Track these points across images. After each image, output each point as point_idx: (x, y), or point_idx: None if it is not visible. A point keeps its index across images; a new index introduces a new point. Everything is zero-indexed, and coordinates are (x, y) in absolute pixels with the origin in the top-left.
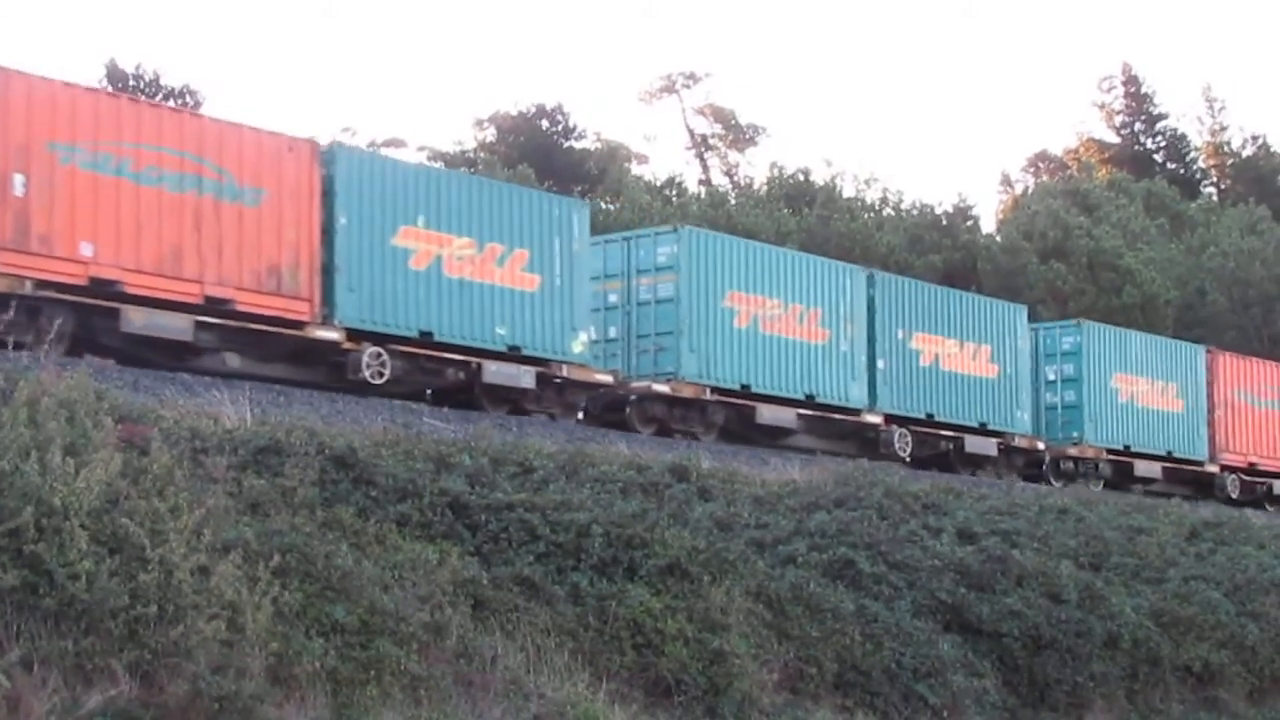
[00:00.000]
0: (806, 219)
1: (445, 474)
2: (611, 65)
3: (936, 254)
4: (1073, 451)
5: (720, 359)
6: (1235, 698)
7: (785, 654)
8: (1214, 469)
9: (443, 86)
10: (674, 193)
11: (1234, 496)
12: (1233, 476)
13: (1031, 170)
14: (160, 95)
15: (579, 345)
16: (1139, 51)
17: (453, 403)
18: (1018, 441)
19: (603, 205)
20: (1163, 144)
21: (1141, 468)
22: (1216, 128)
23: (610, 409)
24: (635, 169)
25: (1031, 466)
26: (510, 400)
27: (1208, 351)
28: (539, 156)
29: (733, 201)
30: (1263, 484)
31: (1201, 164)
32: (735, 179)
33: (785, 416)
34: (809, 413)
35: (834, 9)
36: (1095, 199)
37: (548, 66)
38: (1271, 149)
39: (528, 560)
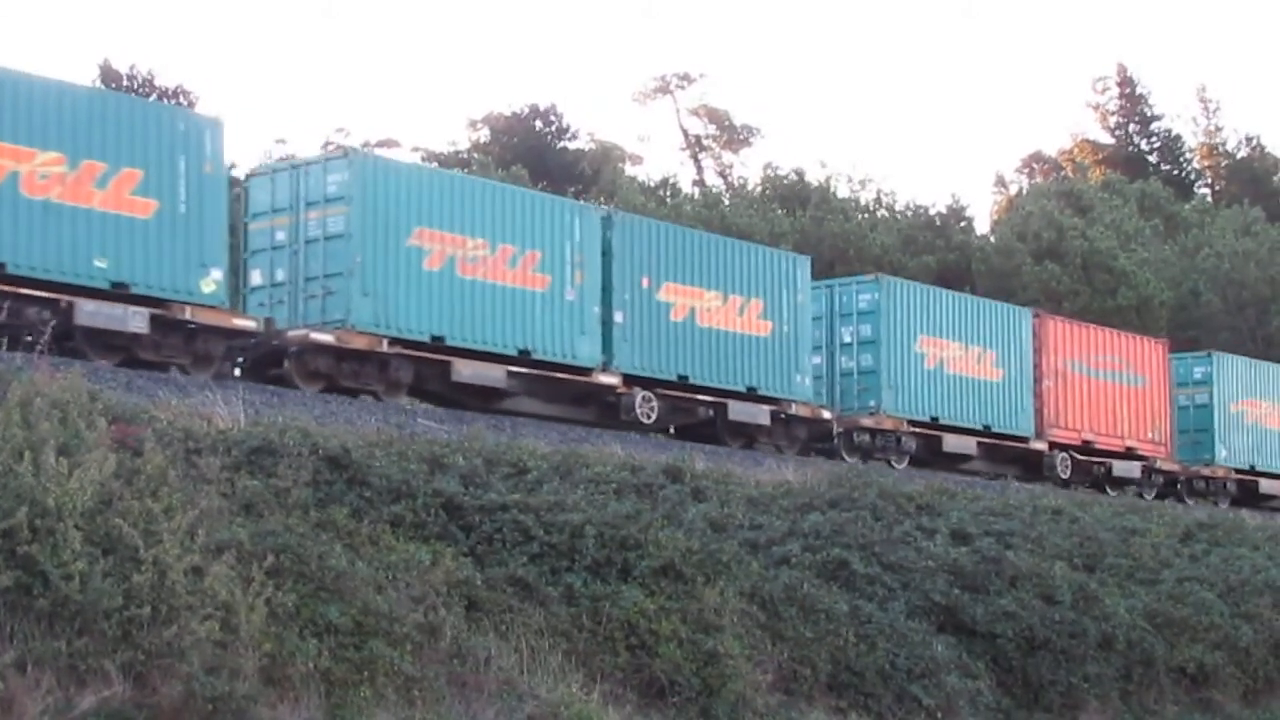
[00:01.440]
0: (800, 220)
1: (439, 475)
2: (605, 66)
3: (930, 255)
4: (867, 422)
5: (403, 305)
6: (1229, 699)
7: (779, 655)
8: (1041, 446)
9: (437, 87)
10: (668, 193)
11: (1064, 477)
12: (1063, 455)
13: (1026, 171)
14: (154, 96)
15: (209, 285)
16: (1133, 52)
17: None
18: (796, 410)
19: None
20: (1157, 145)
21: (951, 442)
22: (1211, 129)
23: (267, 363)
24: (629, 170)
25: (820, 440)
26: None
27: (1035, 315)
28: (533, 157)
29: (727, 202)
30: (1101, 464)
31: (1196, 165)
32: (729, 180)
33: (492, 374)
34: (524, 370)
35: (828, 10)
36: (1089, 200)
37: (542, 67)
38: (1266, 150)
39: (521, 561)
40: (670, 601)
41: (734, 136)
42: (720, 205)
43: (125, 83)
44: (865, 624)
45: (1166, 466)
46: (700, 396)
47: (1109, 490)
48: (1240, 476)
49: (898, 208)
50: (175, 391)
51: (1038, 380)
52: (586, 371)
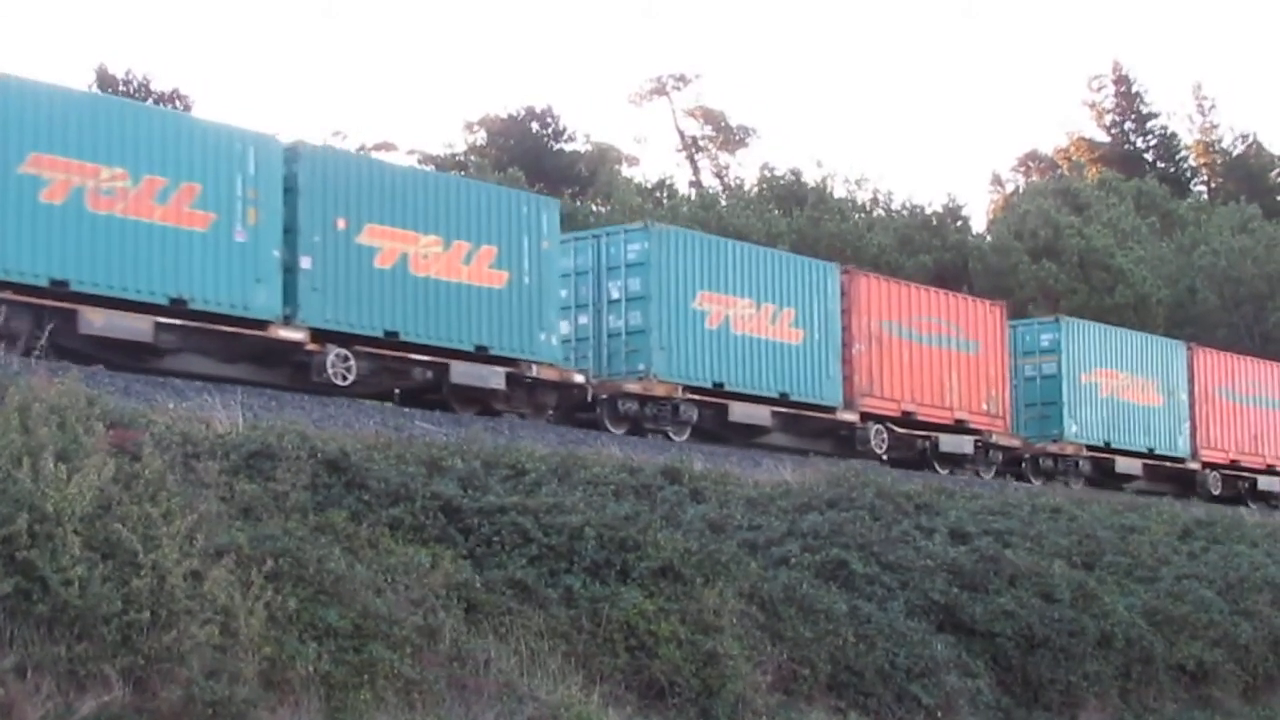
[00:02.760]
0: (797, 220)
1: (437, 477)
2: (601, 67)
3: (927, 254)
4: (633, 388)
5: (14, 243)
6: (1229, 696)
7: (778, 655)
8: (850, 417)
9: (433, 89)
10: (664, 194)
11: (880, 452)
12: (878, 427)
13: (1022, 170)
14: (150, 100)
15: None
16: (1129, 50)
17: None
18: (539, 373)
19: (593, 207)
20: (1153, 143)
21: (740, 411)
22: (1207, 126)
23: None
24: (626, 171)
25: (578, 409)
26: None
27: (844, 271)
28: (529, 159)
29: (723, 203)
30: (926, 438)
31: (1192, 162)
32: (726, 180)
33: (135, 327)
34: (179, 322)
35: (823, 10)
36: (1086, 198)
37: (538, 69)
38: (1262, 147)
39: (520, 563)
40: (669, 602)
41: (730, 137)
42: (717, 206)
43: (121, 87)
44: (864, 624)
45: (1005, 442)
46: (415, 356)
47: (938, 468)
48: (1094, 454)
49: (894, 207)
50: (173, 395)
51: (847, 344)
52: (263, 325)
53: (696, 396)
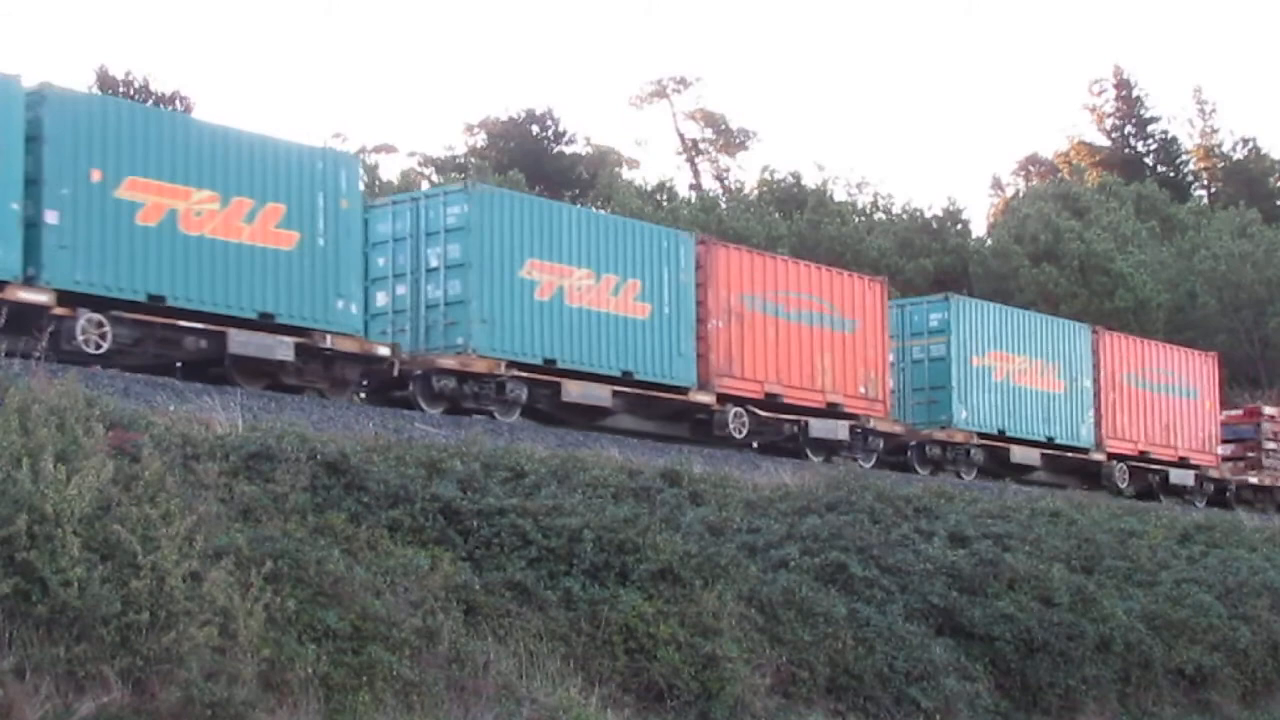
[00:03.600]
0: (797, 223)
1: (437, 479)
2: (602, 70)
3: (927, 258)
4: (449, 363)
5: None
6: (1227, 700)
7: (777, 658)
8: (706, 399)
9: (433, 91)
10: (664, 197)
11: (740, 437)
12: (738, 410)
13: (1022, 173)
14: (150, 101)
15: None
16: (1130, 54)
17: None
18: (336, 344)
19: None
20: (1153, 147)
21: (577, 391)
22: (1207, 131)
23: None
24: (626, 174)
25: (391, 387)
26: None
27: (699, 241)
28: (530, 161)
29: (724, 206)
30: (795, 423)
31: (1192, 167)
32: (726, 183)
33: None
34: None
35: (824, 14)
36: (1086, 202)
37: (539, 72)
38: (1262, 152)
39: (519, 565)
40: (668, 605)
41: (730, 140)
42: (717, 209)
43: (121, 88)
44: (863, 627)
45: (885, 428)
46: (186, 323)
47: (810, 455)
48: (987, 442)
49: (894, 211)
50: (173, 397)
51: (702, 319)
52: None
53: (524, 374)
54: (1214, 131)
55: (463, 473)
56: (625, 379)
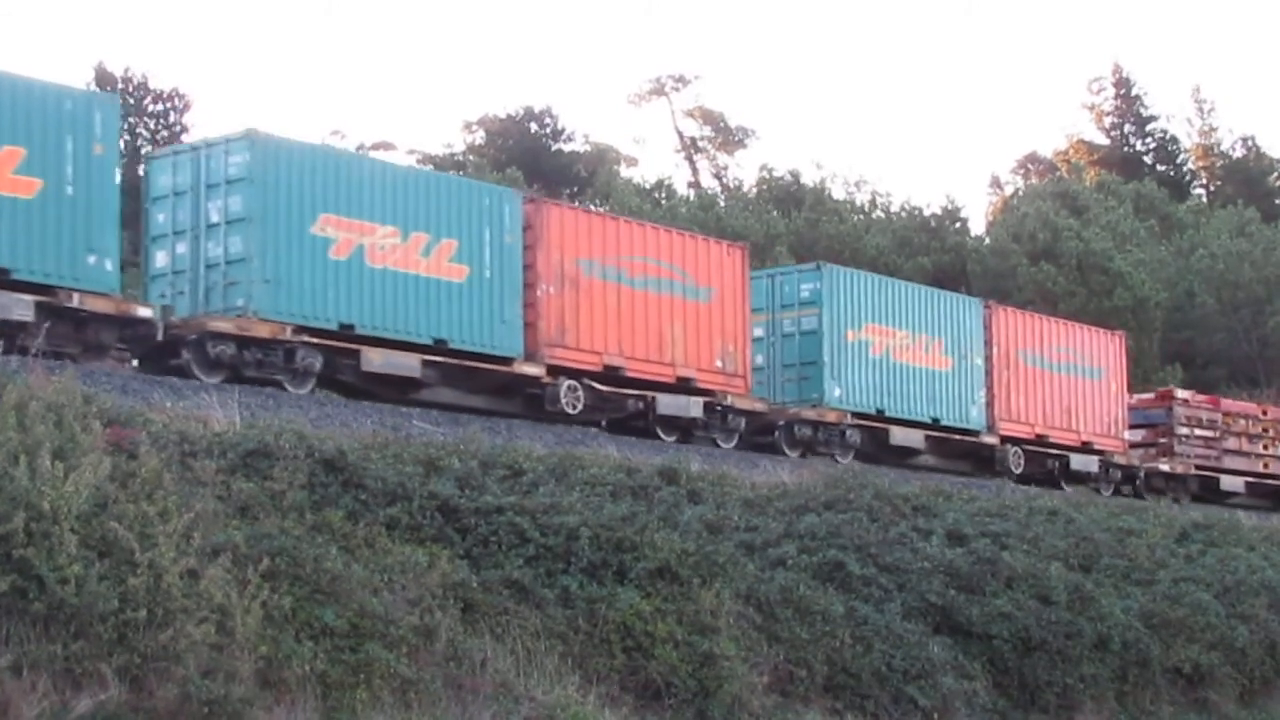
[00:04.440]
0: (796, 222)
1: (435, 477)
2: (600, 68)
3: (925, 256)
4: (224, 326)
5: None
6: (1225, 699)
7: (775, 656)
8: (534, 371)
9: (432, 89)
10: (663, 195)
11: (573, 413)
12: (571, 383)
13: (1021, 172)
14: (149, 99)
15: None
16: (1129, 53)
17: None
18: (85, 303)
19: (592, 208)
20: (1152, 145)
21: (379, 359)
22: (1206, 129)
23: None
24: (624, 171)
25: (161, 353)
26: None
27: (527, 200)
28: (528, 159)
29: (722, 204)
30: (639, 398)
31: (1191, 165)
32: (725, 181)
33: None
34: None
35: (823, 12)
36: (1085, 201)
37: (537, 69)
38: (1261, 150)
39: (517, 563)
40: (666, 603)
41: (729, 138)
42: (716, 207)
43: (120, 85)
44: (861, 625)
45: (745, 405)
46: None
47: (662, 434)
48: (863, 423)
49: (893, 209)
50: (170, 394)
51: (531, 285)
52: None
53: (316, 340)
54: (1213, 130)
55: (460, 470)
56: (439, 348)
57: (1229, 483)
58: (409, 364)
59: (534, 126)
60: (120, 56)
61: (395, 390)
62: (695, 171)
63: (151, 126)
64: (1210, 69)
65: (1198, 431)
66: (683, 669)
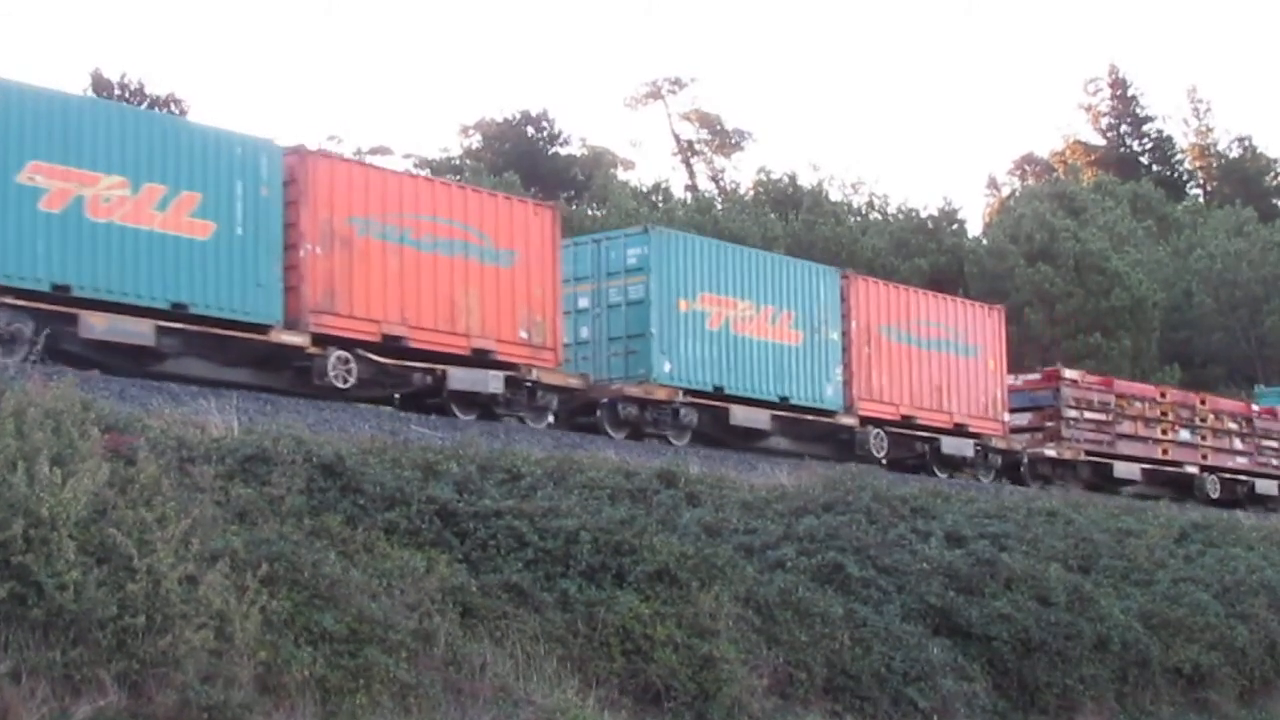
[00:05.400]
0: (793, 224)
1: (433, 482)
2: (597, 71)
3: (922, 258)
4: None
5: None
6: (1225, 699)
7: (774, 659)
8: (297, 340)
9: (429, 93)
10: (660, 198)
11: (343, 387)
12: (341, 354)
13: (1017, 173)
14: (144, 104)
15: None
16: (1125, 53)
17: None
18: None
19: (589, 211)
20: (1149, 146)
21: (102, 326)
22: (1203, 129)
23: None
24: (621, 175)
25: None
26: None
27: (290, 152)
28: (525, 163)
29: (719, 207)
30: (427, 372)
31: (1188, 166)
32: (721, 184)
33: None
34: None
35: (820, 14)
36: (1082, 201)
37: (533, 73)
38: (1257, 150)
39: (516, 567)
40: (665, 606)
41: (726, 141)
42: (713, 209)
43: (116, 91)
44: (860, 627)
45: (555, 380)
46: None
47: (458, 411)
48: (698, 400)
49: (890, 211)
50: (168, 400)
51: (293, 245)
52: None
53: (25, 303)
54: (1209, 130)
55: (459, 475)
56: (178, 313)
57: (1123, 469)
58: (140, 331)
59: (531, 130)
60: (117, 60)
61: (130, 361)
62: (692, 174)
63: None
64: (1206, 69)
65: (1088, 414)
66: (682, 672)
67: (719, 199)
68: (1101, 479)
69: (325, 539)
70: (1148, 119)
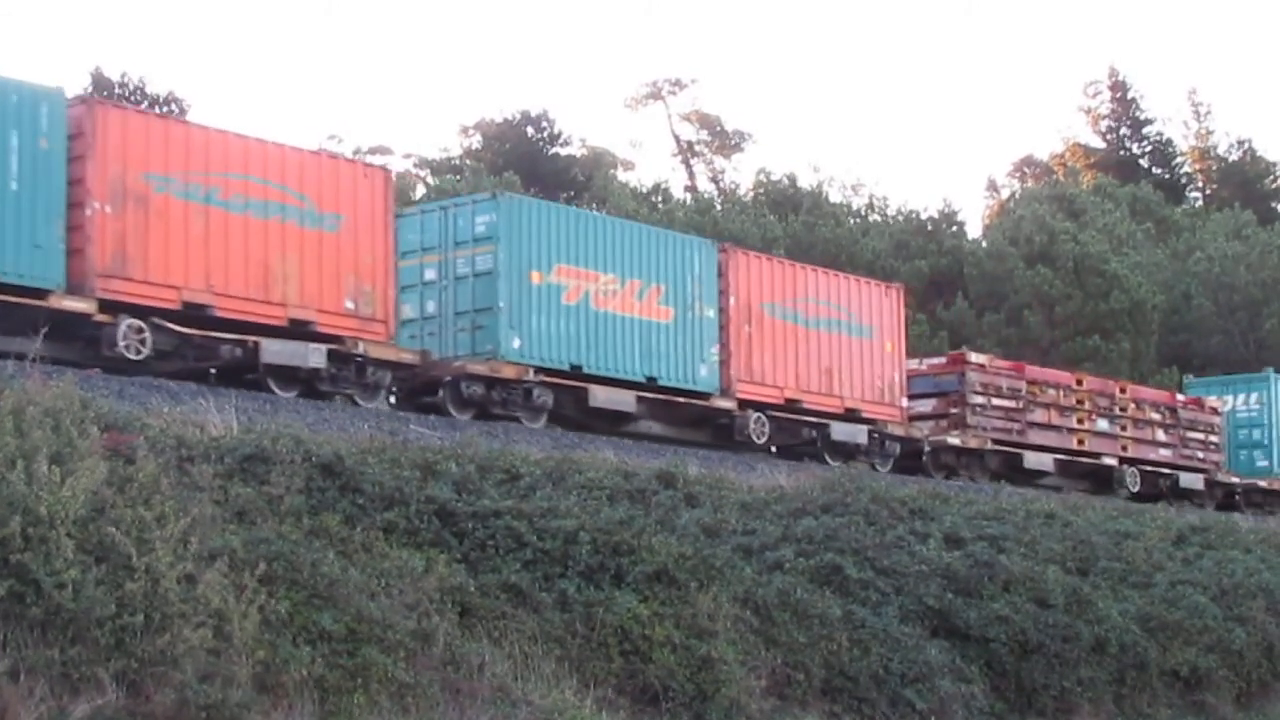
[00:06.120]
0: (793, 225)
1: (432, 481)
2: (597, 72)
3: (922, 259)
4: None
5: None
6: (1222, 702)
7: (773, 660)
8: (84, 307)
9: (429, 93)
10: (660, 199)
11: (136, 358)
12: (134, 324)
13: (1017, 175)
14: (145, 103)
15: None
16: (1125, 56)
17: None
18: None
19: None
20: (1148, 148)
21: None
22: (1202, 132)
23: None
24: (621, 175)
25: None
26: None
27: (78, 101)
28: (525, 163)
29: (719, 208)
30: (238, 344)
31: (1187, 168)
32: (721, 185)
33: None
34: None
35: (820, 15)
36: (1081, 204)
37: (534, 73)
38: (1257, 153)
39: (515, 567)
40: (664, 607)
41: (726, 142)
42: (712, 210)
43: (116, 90)
44: (859, 628)
45: (387, 355)
46: None
47: (275, 387)
48: (554, 380)
49: (890, 212)
50: (168, 399)
51: (79, 204)
52: None
53: None
54: (1209, 133)
55: (458, 475)
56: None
57: (1034, 460)
58: None
59: (531, 130)
60: (117, 60)
61: None
62: (692, 175)
63: None
64: (1206, 72)
65: (996, 401)
66: (680, 672)
67: (719, 200)
68: (1012, 470)
69: (324, 538)
70: (1147, 122)
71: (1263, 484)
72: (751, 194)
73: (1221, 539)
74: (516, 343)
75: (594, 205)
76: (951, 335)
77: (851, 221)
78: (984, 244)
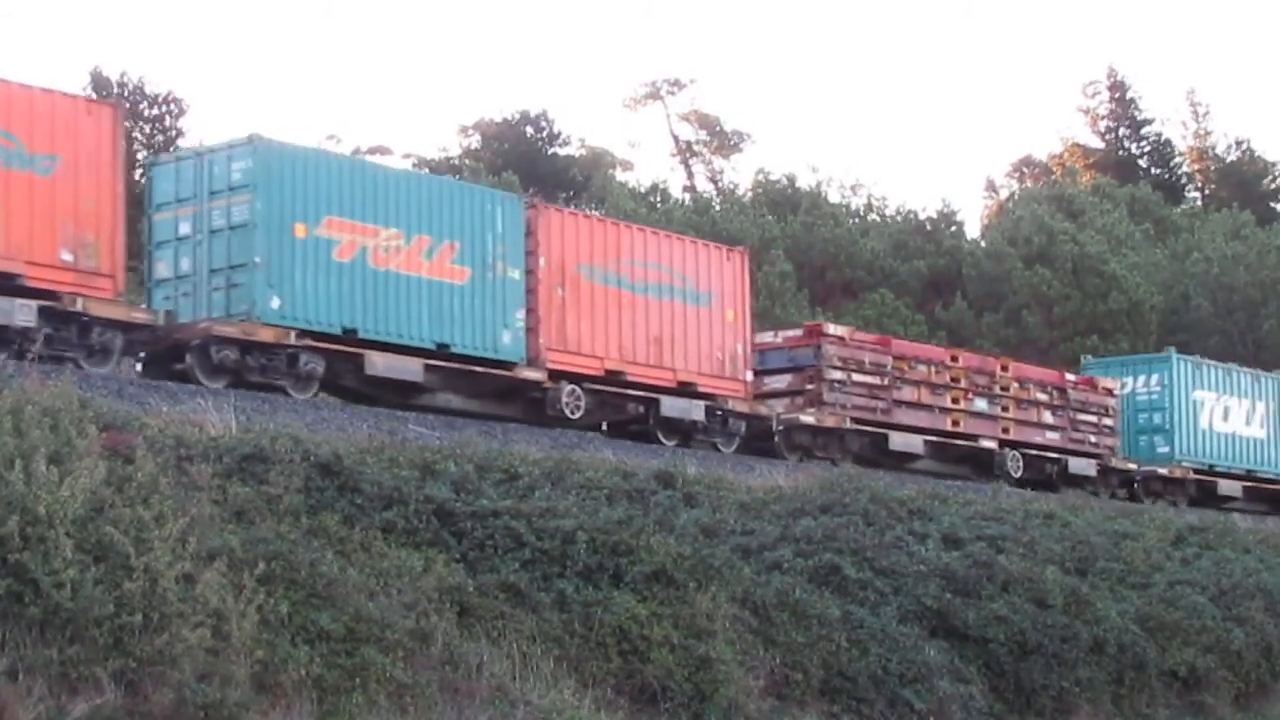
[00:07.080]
0: (792, 226)
1: (430, 481)
2: (596, 72)
3: (921, 260)
4: None
5: None
6: (1221, 702)
7: (771, 660)
8: None
9: (428, 93)
10: (659, 199)
11: None
12: None
13: (1016, 175)
14: (144, 104)
15: None
16: (1124, 56)
17: None
18: None
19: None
20: (1147, 149)
21: None
22: (1201, 132)
23: None
24: (620, 175)
25: None
26: None
27: None
28: (524, 163)
29: (717, 208)
30: None
31: (1186, 169)
32: (720, 185)
33: None
34: None
35: (818, 16)
36: (1080, 204)
37: (533, 73)
38: (1255, 154)
39: (513, 567)
40: (662, 607)
41: (725, 142)
42: (711, 211)
43: (115, 90)
44: (857, 629)
45: (115, 314)
46: None
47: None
48: (323, 345)
49: (888, 213)
50: (167, 398)
51: None
52: None
53: None
54: (1208, 134)
55: (456, 475)
56: None
57: (901, 441)
58: None
59: (530, 130)
60: (117, 60)
61: None
62: (690, 175)
63: (147, 131)
64: (1205, 72)
65: (857, 377)
66: (679, 672)
67: (717, 200)
68: (878, 452)
69: (323, 538)
70: (1146, 122)
71: (1163, 471)
72: (750, 194)
73: (1220, 539)
74: (276, 303)
75: (593, 205)
76: (950, 335)
77: (850, 222)
78: (983, 244)
